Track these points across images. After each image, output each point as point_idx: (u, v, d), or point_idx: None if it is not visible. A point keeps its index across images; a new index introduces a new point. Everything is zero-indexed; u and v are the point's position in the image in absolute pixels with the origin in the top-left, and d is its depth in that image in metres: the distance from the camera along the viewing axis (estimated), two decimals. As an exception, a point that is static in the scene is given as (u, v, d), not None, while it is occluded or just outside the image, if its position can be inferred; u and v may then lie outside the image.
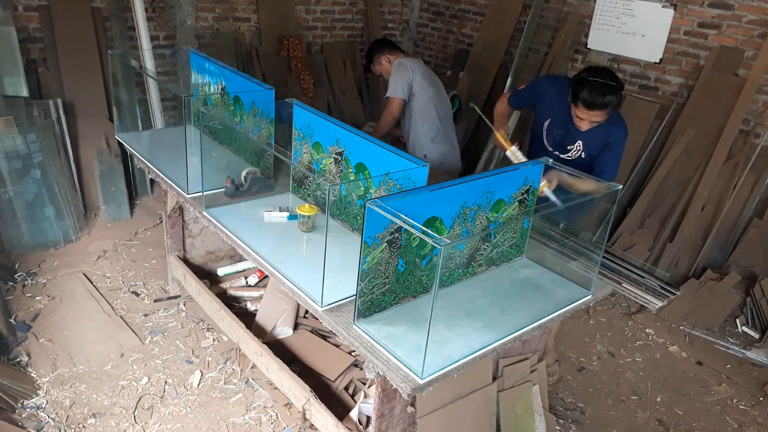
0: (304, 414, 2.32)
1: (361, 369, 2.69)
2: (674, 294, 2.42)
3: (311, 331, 2.91)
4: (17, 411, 2.43)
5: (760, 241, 3.77)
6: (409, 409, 1.93)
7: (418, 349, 1.66)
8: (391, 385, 1.64)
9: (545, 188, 2.27)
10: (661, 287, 2.40)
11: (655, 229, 4.00)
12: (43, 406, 2.49)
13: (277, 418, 2.54)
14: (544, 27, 4.77)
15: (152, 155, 2.84)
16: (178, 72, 4.58)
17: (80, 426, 2.42)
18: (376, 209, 1.56)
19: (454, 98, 3.71)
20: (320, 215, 2.34)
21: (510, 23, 5.00)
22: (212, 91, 2.89)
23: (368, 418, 2.36)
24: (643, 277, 2.41)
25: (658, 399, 2.96)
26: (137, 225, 3.96)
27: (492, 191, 1.96)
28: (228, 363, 2.82)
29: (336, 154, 2.26)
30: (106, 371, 2.72)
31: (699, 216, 3.86)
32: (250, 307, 3.13)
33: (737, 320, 3.61)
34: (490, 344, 1.76)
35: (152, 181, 4.24)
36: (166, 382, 2.69)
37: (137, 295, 3.28)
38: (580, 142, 2.67)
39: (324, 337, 2.87)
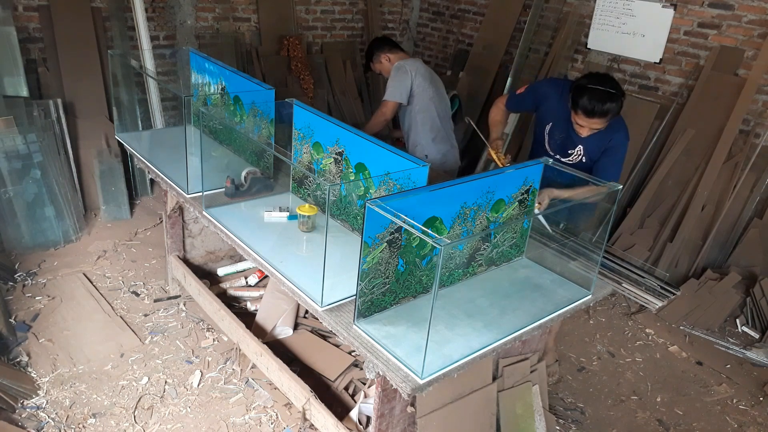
0: (304, 414, 2.32)
1: (361, 369, 2.69)
2: (674, 294, 2.42)
3: (311, 331, 2.91)
4: (17, 411, 2.43)
5: (760, 241, 3.77)
6: (409, 409, 1.93)
7: (418, 349, 1.66)
8: (391, 385, 1.64)
9: (536, 210, 2.26)
10: (661, 287, 2.40)
11: (655, 229, 4.00)
12: (43, 406, 2.49)
13: (277, 418, 2.54)
14: (544, 27, 4.77)
15: (152, 155, 2.84)
16: (178, 72, 4.58)
17: (80, 426, 2.42)
18: (376, 209, 1.57)
19: (454, 98, 3.71)
20: (320, 215, 2.34)
21: (510, 23, 5.00)
22: (212, 91, 2.89)
23: (368, 418, 2.36)
24: (643, 277, 2.41)
25: (658, 399, 2.96)
26: (137, 225, 3.96)
27: (492, 191, 1.96)
28: (228, 363, 2.82)
29: (336, 154, 2.26)
30: (106, 371, 2.72)
31: (699, 216, 3.86)
32: (250, 307, 3.13)
33: (737, 320, 3.61)
34: (490, 344, 1.76)
35: (152, 181, 4.24)
36: (166, 382, 2.69)
37: (137, 295, 3.28)
38: (581, 147, 2.66)
39: (324, 337, 2.87)
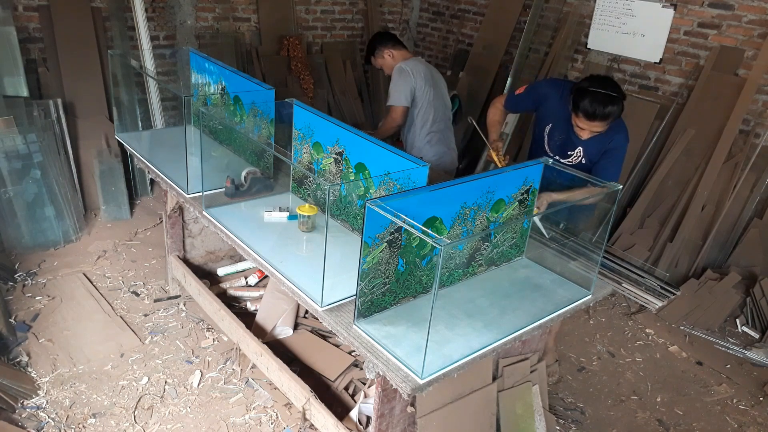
0: (304, 414, 2.32)
1: (361, 369, 2.69)
2: (674, 294, 2.42)
3: (311, 331, 2.91)
4: (17, 411, 2.43)
5: (760, 241, 3.77)
6: (409, 409, 1.93)
7: (418, 349, 1.66)
8: (391, 385, 1.64)
9: (534, 216, 2.26)
10: (661, 287, 2.40)
11: (655, 229, 4.00)
12: (43, 406, 2.49)
13: (277, 418, 2.54)
14: (544, 27, 4.77)
15: (152, 155, 2.84)
16: (178, 72, 4.58)
17: (80, 426, 2.42)
18: (376, 209, 1.57)
19: (454, 98, 3.70)
20: (320, 215, 2.34)
21: (510, 23, 5.00)
22: (212, 91, 2.89)
23: (368, 418, 2.36)
24: (643, 277, 2.41)
25: (658, 399, 2.96)
26: (137, 225, 3.96)
27: (492, 191, 1.96)
28: (228, 363, 2.82)
29: (336, 154, 2.26)
30: (106, 371, 2.72)
31: (699, 216, 3.86)
32: (250, 307, 3.13)
33: (737, 320, 3.61)
34: (490, 344, 1.76)
35: (152, 181, 4.24)
36: (166, 382, 2.69)
37: (137, 295, 3.28)
38: (581, 148, 2.66)
39: (324, 337, 2.87)
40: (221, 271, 3.34)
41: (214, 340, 2.97)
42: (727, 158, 3.86)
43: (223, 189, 2.48)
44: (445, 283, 2.00)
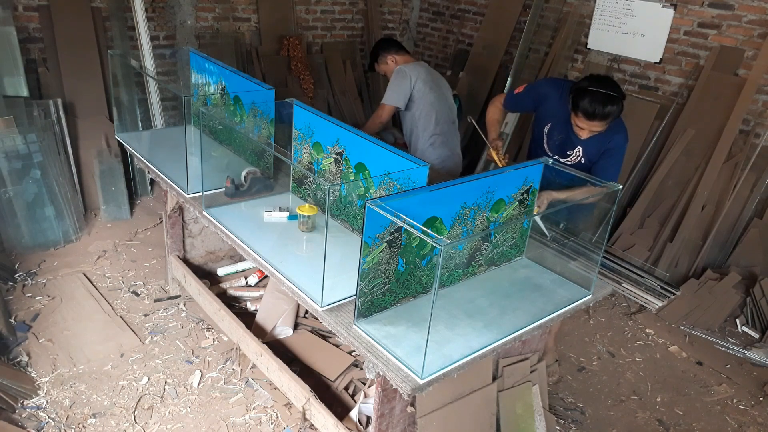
0: (304, 414, 2.32)
1: (361, 369, 2.69)
2: (674, 294, 2.42)
3: (311, 331, 2.91)
4: (17, 411, 2.43)
5: (760, 241, 3.77)
6: (409, 409, 1.93)
7: (418, 349, 1.66)
8: (391, 385, 1.64)
9: (535, 215, 2.25)
10: (661, 287, 2.40)
11: (655, 229, 4.00)
12: (43, 406, 2.49)
13: (277, 418, 2.54)
14: (544, 27, 4.77)
15: (152, 155, 2.84)
16: (178, 72, 4.58)
17: (80, 426, 2.42)
18: (376, 209, 1.57)
19: (454, 98, 3.70)
20: (320, 215, 2.34)
21: (510, 23, 5.00)
22: (212, 91, 2.89)
23: (368, 418, 2.36)
24: (643, 277, 2.41)
25: (658, 399, 2.96)
26: (137, 225, 3.96)
27: (492, 191, 1.96)
28: (228, 363, 2.82)
29: (336, 154, 2.26)
30: (106, 371, 2.72)
31: (699, 216, 3.86)
32: (250, 307, 3.13)
33: (737, 320, 3.61)
34: (490, 344, 1.76)
35: (152, 181, 4.24)
36: (166, 382, 2.69)
37: (137, 295, 3.28)
38: (580, 148, 2.65)
39: (324, 337, 2.87)
40: (221, 271, 3.34)
41: (214, 340, 2.97)
42: (727, 158, 3.86)
43: (223, 189, 2.48)
44: (445, 283, 2.00)
